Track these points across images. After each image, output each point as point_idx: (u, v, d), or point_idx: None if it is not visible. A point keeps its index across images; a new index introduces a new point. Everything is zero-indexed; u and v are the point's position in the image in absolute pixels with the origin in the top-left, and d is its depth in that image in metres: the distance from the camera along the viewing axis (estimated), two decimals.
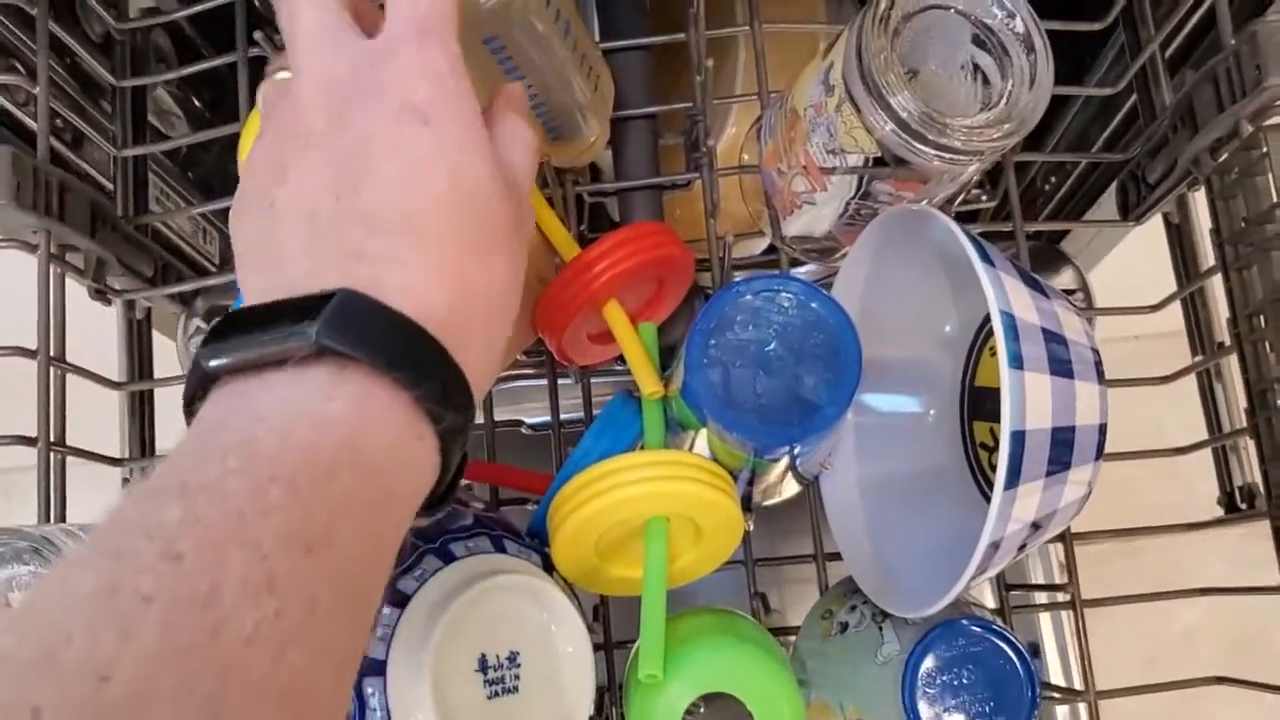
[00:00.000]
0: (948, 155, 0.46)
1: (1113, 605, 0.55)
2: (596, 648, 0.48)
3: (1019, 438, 0.40)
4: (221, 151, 0.69)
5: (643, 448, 0.49)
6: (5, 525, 0.42)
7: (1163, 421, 0.76)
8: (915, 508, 0.52)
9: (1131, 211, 0.61)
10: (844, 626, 0.52)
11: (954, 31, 0.48)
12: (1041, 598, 0.71)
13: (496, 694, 0.43)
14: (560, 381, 0.57)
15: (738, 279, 0.43)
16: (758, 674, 0.43)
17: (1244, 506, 0.54)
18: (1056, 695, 0.60)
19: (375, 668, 0.42)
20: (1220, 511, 0.59)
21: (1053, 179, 0.83)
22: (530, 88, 0.48)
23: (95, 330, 0.58)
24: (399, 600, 0.43)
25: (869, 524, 0.53)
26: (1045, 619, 0.78)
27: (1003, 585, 0.54)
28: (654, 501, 0.45)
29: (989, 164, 0.49)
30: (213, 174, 0.70)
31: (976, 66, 0.48)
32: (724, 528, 0.47)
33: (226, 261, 0.74)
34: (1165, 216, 0.61)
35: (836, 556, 0.54)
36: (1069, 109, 0.76)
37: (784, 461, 0.49)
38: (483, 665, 0.43)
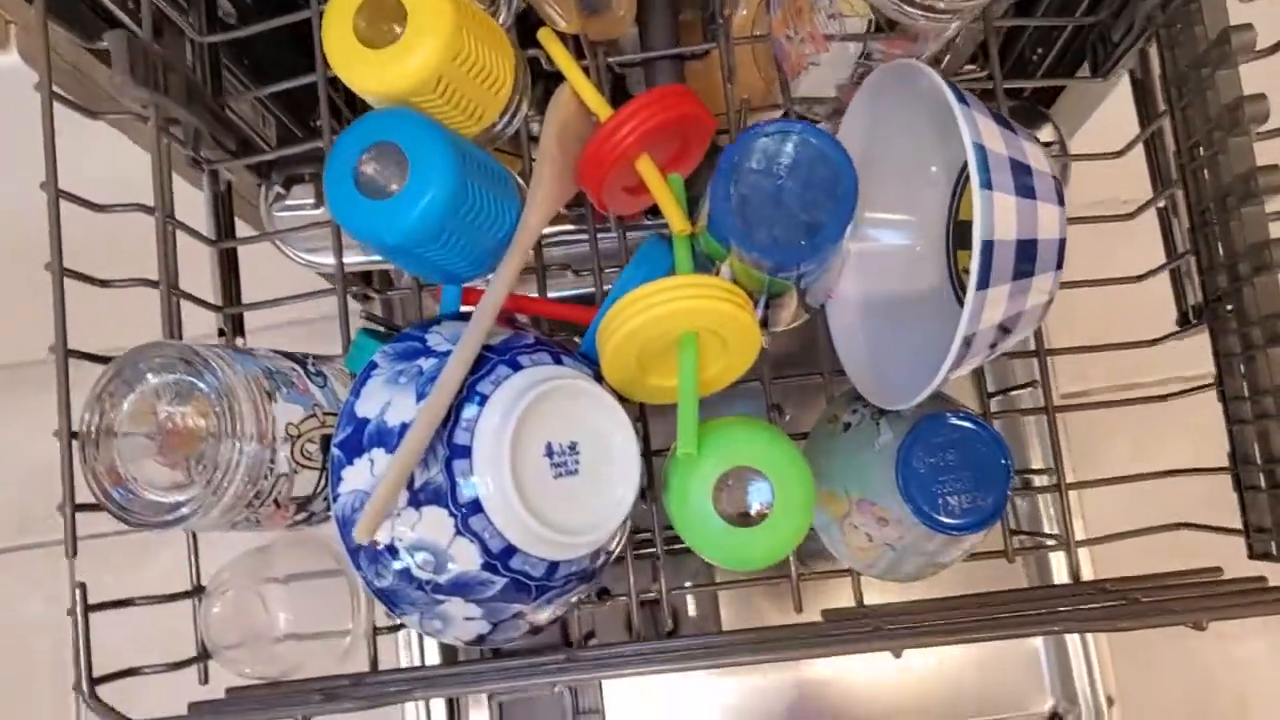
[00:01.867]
0: (932, 14, 0.54)
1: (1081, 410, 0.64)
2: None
3: (989, 246, 0.49)
4: (277, 42, 0.76)
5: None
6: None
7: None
8: (906, 324, 0.61)
9: (1100, 69, 0.68)
10: (847, 426, 0.61)
11: None
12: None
13: (561, 474, 0.53)
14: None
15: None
16: (775, 453, 0.53)
17: (1194, 321, 0.62)
18: (1034, 483, 0.69)
19: (462, 452, 0.51)
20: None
21: (1039, 49, 0.90)
22: None
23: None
24: (479, 399, 0.52)
25: (867, 340, 0.62)
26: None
27: (984, 391, 0.63)
28: (684, 318, 0.53)
29: (968, 20, 0.56)
30: (268, 62, 0.77)
31: None
32: (744, 340, 0.56)
33: (284, 141, 0.81)
34: (1130, 73, 0.69)
35: (840, 373, 0.63)
36: None
37: (794, 291, 0.58)
38: (549, 451, 0.53)
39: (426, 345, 0.55)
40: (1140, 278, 0.66)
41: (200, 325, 0.64)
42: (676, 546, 0.59)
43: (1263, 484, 0.54)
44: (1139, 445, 1.24)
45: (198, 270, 0.67)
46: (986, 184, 0.49)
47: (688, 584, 0.90)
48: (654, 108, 0.58)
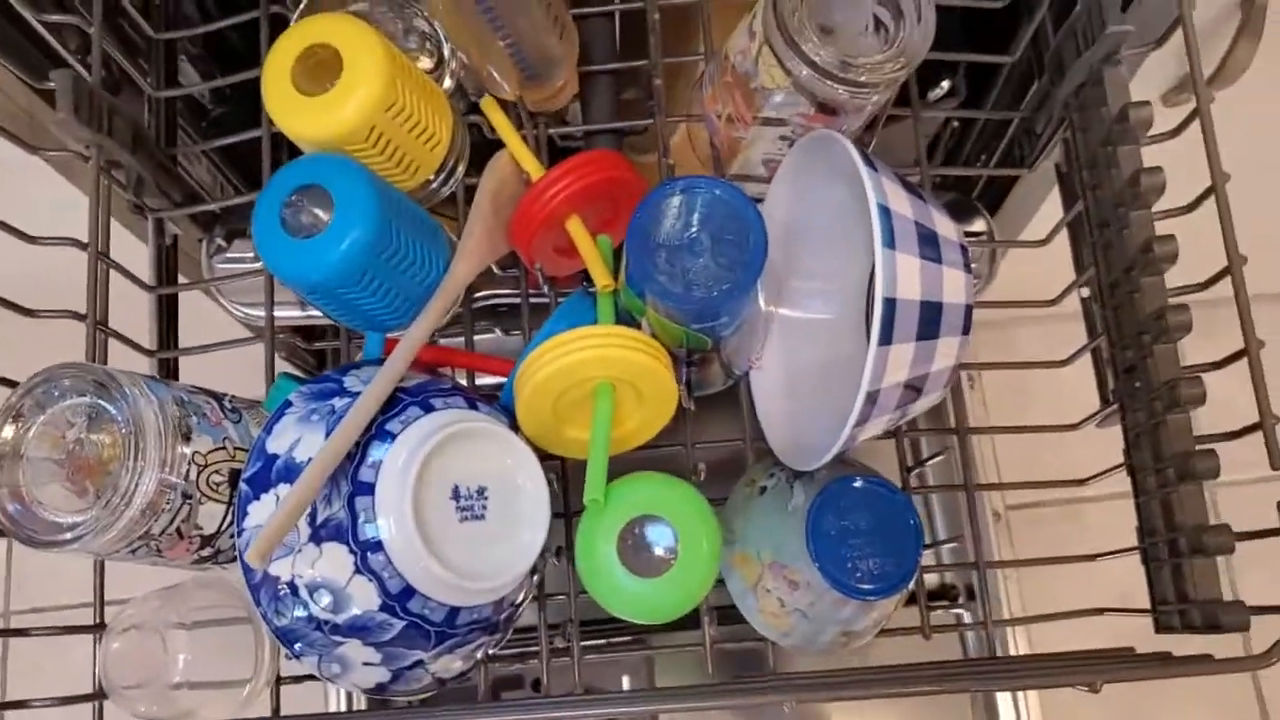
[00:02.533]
0: (852, 89, 0.56)
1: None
2: (556, 515, 0.58)
3: (890, 304, 0.50)
4: (238, 101, 0.78)
5: None
6: None
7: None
8: (827, 391, 0.62)
9: (1026, 161, 0.71)
10: (763, 490, 0.61)
11: None
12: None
13: (467, 518, 0.53)
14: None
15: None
16: (682, 503, 0.53)
17: (1111, 401, 0.63)
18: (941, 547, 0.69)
19: (366, 489, 0.51)
20: None
21: (984, 155, 0.94)
22: (509, 38, 0.58)
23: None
24: (387, 438, 0.52)
25: (788, 406, 0.63)
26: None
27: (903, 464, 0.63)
28: (598, 366, 0.54)
29: (885, 94, 0.58)
30: (229, 122, 0.79)
31: (879, 21, 0.59)
32: (660, 393, 0.56)
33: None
34: (1056, 166, 0.71)
35: (763, 441, 0.63)
36: (996, 78, 0.86)
37: (715, 349, 0.59)
38: (456, 494, 0.53)
39: (343, 386, 0.55)
40: (1063, 363, 0.68)
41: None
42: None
43: (1165, 555, 0.54)
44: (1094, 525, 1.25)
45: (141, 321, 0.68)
46: (889, 243, 0.50)
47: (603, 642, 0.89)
48: (584, 169, 0.60)
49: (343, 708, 0.85)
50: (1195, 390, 0.51)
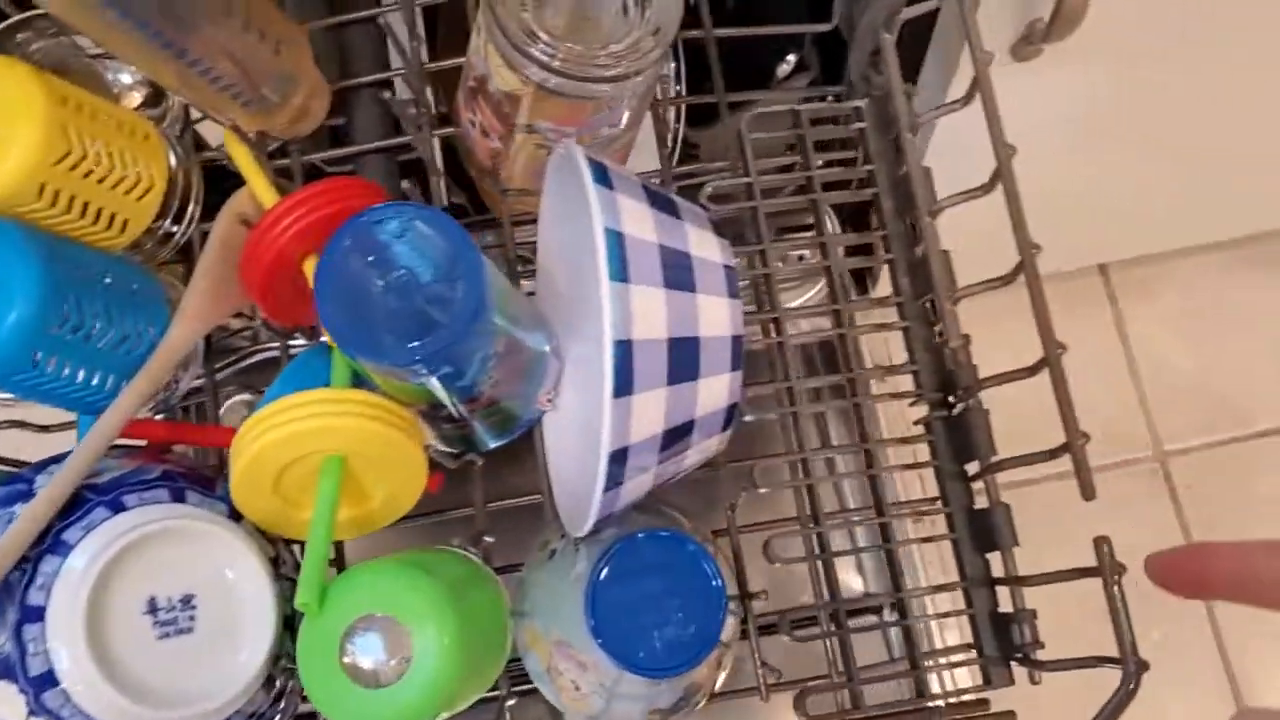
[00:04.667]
0: (603, 82, 0.48)
1: None
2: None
3: (624, 346, 0.42)
4: None
5: None
6: None
7: None
8: None
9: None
10: (553, 553, 0.53)
11: None
12: None
13: (168, 635, 0.45)
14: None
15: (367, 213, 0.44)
16: (413, 597, 0.45)
17: None
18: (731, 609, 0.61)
19: (36, 614, 0.43)
20: None
21: None
22: (197, 64, 0.50)
23: None
24: (63, 550, 0.45)
25: (580, 457, 0.55)
26: None
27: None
28: (321, 438, 0.46)
29: (647, 85, 0.50)
30: None
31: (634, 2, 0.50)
32: (405, 464, 0.48)
33: None
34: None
35: None
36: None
37: (479, 401, 0.51)
38: (152, 607, 0.45)
39: (32, 488, 0.47)
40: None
41: None
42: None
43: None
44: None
45: None
46: (619, 275, 0.42)
47: None
48: (315, 201, 0.51)
49: None
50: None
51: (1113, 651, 0.42)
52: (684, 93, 0.78)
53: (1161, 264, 1.29)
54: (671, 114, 0.75)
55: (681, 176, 0.64)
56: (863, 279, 0.88)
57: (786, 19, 0.77)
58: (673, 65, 0.78)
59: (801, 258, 0.75)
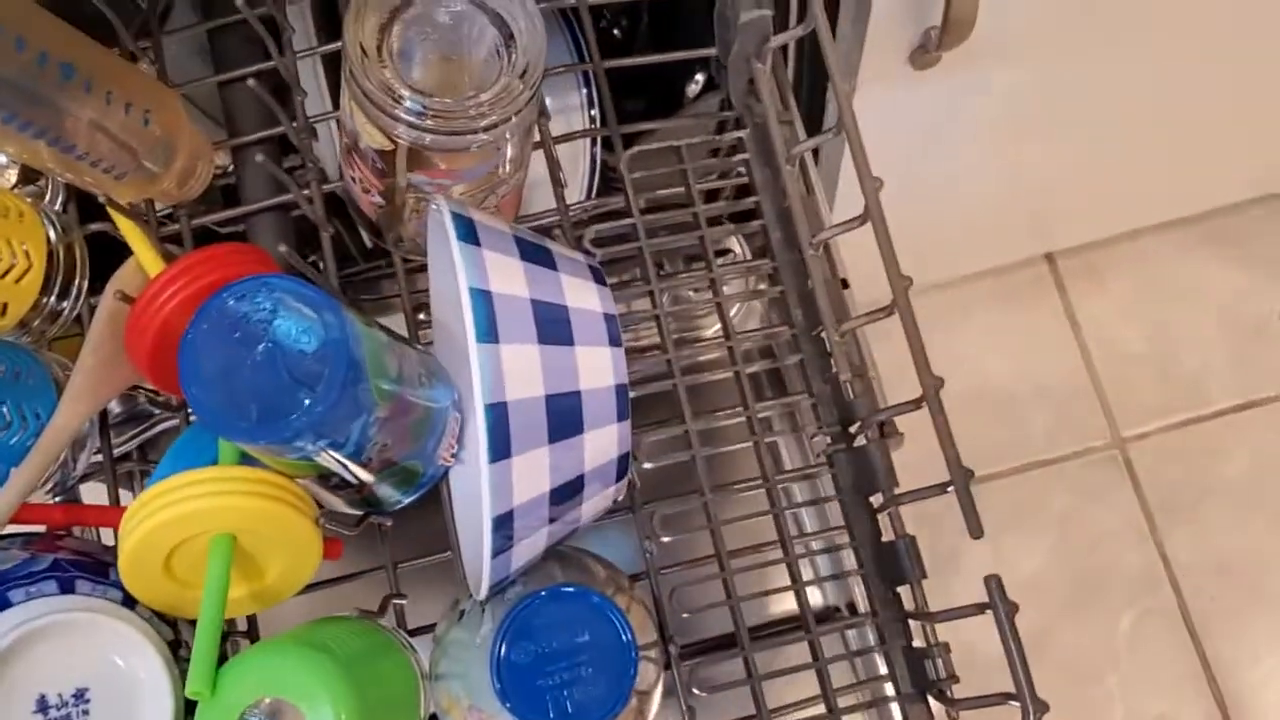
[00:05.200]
0: (466, 135, 0.47)
1: None
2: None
3: (498, 409, 0.41)
4: None
5: None
6: None
7: None
8: None
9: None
10: (462, 614, 0.52)
11: (450, 16, 0.48)
12: None
13: None
14: None
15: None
16: (308, 677, 0.44)
17: None
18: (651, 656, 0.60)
19: None
20: None
21: None
22: (61, 140, 0.48)
23: None
24: None
25: (476, 514, 0.54)
26: None
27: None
28: (206, 518, 0.45)
29: (524, 128, 0.49)
30: None
31: (497, 44, 0.49)
32: (297, 538, 0.47)
33: None
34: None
35: None
36: None
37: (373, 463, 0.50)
38: (42, 706, 0.44)
39: None
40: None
41: None
42: None
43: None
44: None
45: None
46: (487, 335, 0.41)
47: None
48: (199, 269, 0.51)
49: None
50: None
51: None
52: (598, 119, 0.76)
53: (1107, 249, 1.28)
54: (584, 145, 0.74)
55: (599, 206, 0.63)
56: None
57: (698, 37, 0.77)
58: (584, 92, 0.77)
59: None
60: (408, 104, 0.46)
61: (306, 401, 0.42)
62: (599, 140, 0.75)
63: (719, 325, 0.76)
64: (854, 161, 0.41)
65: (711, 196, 0.52)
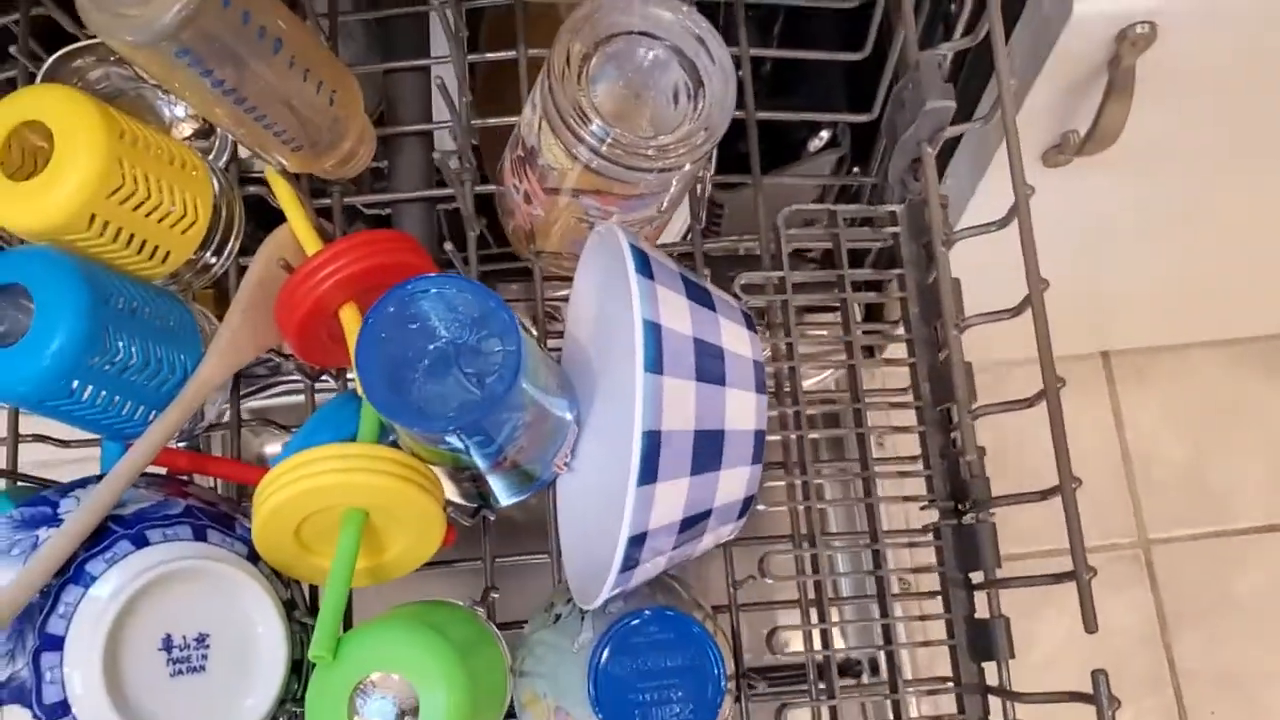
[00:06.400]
0: (640, 172, 0.49)
1: None
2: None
3: (654, 437, 0.43)
4: None
5: None
6: None
7: None
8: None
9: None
10: (558, 618, 0.54)
11: (652, 56, 0.51)
12: None
13: (180, 672, 0.46)
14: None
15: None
16: (424, 656, 0.46)
17: None
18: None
19: (54, 643, 0.44)
20: None
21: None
22: (245, 101, 0.51)
23: None
24: (86, 580, 0.45)
25: (596, 522, 0.56)
26: None
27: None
28: (341, 493, 0.47)
29: (694, 175, 0.51)
30: None
31: (683, 89, 0.52)
32: (423, 520, 0.49)
33: None
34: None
35: None
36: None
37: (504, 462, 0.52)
38: (167, 645, 0.46)
39: (56, 513, 0.48)
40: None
41: None
42: None
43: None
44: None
45: None
46: (654, 366, 0.43)
47: None
48: (359, 251, 0.53)
49: None
50: None
51: None
52: (713, 157, 0.79)
53: (1162, 356, 1.31)
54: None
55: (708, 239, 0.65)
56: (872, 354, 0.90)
57: (821, 94, 0.79)
58: None
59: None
60: (594, 128, 0.48)
61: (474, 399, 0.44)
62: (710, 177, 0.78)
63: (820, 378, 0.78)
64: (1025, 259, 0.43)
65: (855, 260, 0.54)
